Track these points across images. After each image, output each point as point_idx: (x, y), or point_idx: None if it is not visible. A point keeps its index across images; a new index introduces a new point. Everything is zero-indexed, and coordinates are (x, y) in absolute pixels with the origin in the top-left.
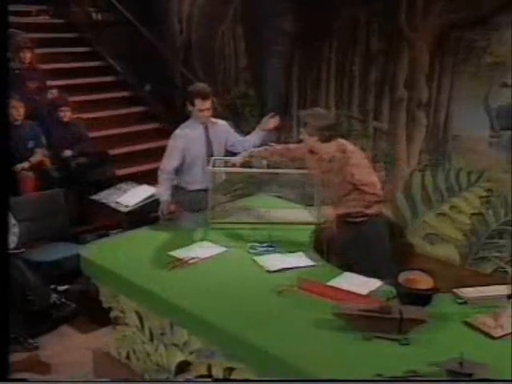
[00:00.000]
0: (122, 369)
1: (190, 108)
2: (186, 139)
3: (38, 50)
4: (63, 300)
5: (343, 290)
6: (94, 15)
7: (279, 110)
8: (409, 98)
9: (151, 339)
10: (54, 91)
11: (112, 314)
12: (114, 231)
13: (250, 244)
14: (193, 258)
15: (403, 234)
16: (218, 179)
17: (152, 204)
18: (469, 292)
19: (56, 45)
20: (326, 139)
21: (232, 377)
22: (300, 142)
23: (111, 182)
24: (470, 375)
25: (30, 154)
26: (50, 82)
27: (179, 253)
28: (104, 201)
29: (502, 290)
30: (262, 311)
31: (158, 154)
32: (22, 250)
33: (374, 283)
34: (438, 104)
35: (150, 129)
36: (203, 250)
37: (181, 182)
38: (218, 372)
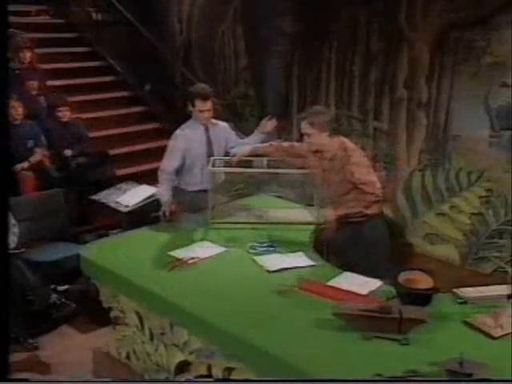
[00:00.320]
0: (122, 369)
1: (190, 108)
2: (187, 140)
3: (38, 50)
4: (63, 300)
5: (343, 290)
6: (94, 15)
7: (279, 110)
8: (409, 98)
9: (151, 339)
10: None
11: (112, 314)
12: (114, 231)
13: (250, 244)
14: (193, 258)
15: (403, 234)
16: (218, 179)
17: (152, 204)
18: (469, 292)
19: (56, 45)
20: (333, 133)
21: (232, 377)
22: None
23: (111, 182)
24: (470, 375)
25: (29, 154)
26: (49, 82)
27: (179, 253)
28: (104, 201)
29: (501, 289)
30: (262, 311)
31: (158, 154)
32: (22, 249)
33: (373, 283)
34: (438, 104)
35: (150, 129)
36: (203, 250)
37: (181, 184)
38: (217, 372)
